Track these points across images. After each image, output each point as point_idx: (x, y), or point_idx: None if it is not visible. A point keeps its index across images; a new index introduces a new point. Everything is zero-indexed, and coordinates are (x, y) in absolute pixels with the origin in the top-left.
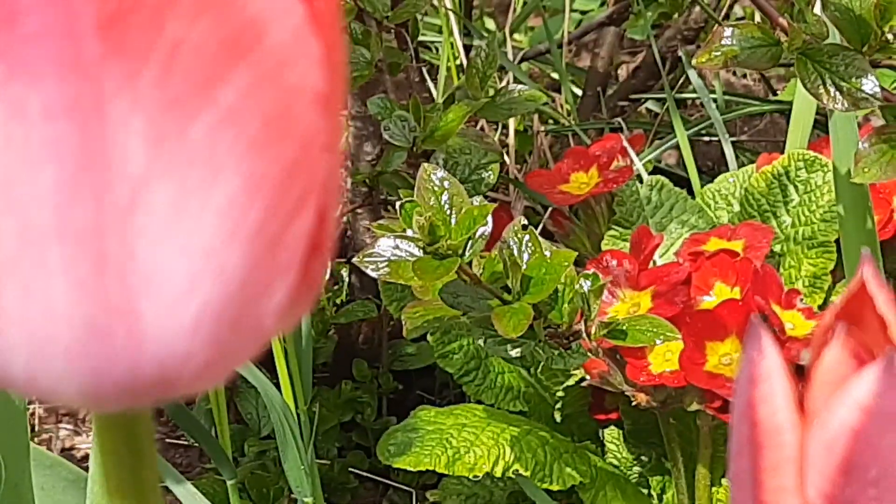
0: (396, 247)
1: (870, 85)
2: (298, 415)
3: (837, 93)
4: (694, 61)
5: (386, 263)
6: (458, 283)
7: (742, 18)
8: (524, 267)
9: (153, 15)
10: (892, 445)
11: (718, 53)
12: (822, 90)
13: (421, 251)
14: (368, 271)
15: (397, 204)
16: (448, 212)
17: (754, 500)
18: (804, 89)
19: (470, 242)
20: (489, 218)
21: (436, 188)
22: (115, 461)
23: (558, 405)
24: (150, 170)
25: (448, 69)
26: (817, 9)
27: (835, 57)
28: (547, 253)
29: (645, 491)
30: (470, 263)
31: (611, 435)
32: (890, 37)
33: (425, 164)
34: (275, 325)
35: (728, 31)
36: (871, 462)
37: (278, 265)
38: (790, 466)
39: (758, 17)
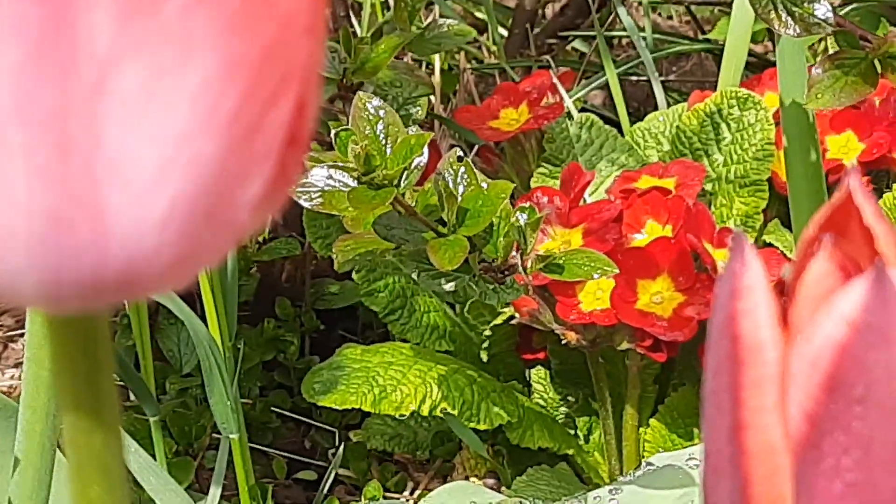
0: (330, 177)
1: (822, 10)
2: (223, 351)
3: (789, 18)
4: None
5: (319, 194)
6: (392, 215)
7: None
8: (460, 199)
9: None
10: (878, 362)
11: None
12: (773, 15)
13: (355, 181)
14: (301, 202)
15: (332, 132)
16: (384, 141)
17: (733, 419)
18: (755, 14)
19: (406, 173)
20: (425, 148)
21: (371, 117)
22: (71, 371)
23: (485, 345)
24: (118, 49)
25: (372, 5)
26: None
27: None
28: (483, 185)
29: (572, 431)
30: (405, 195)
31: (538, 375)
32: None
33: (360, 93)
34: (249, 219)
35: None
36: (857, 379)
37: (255, 155)
38: (772, 384)
39: None
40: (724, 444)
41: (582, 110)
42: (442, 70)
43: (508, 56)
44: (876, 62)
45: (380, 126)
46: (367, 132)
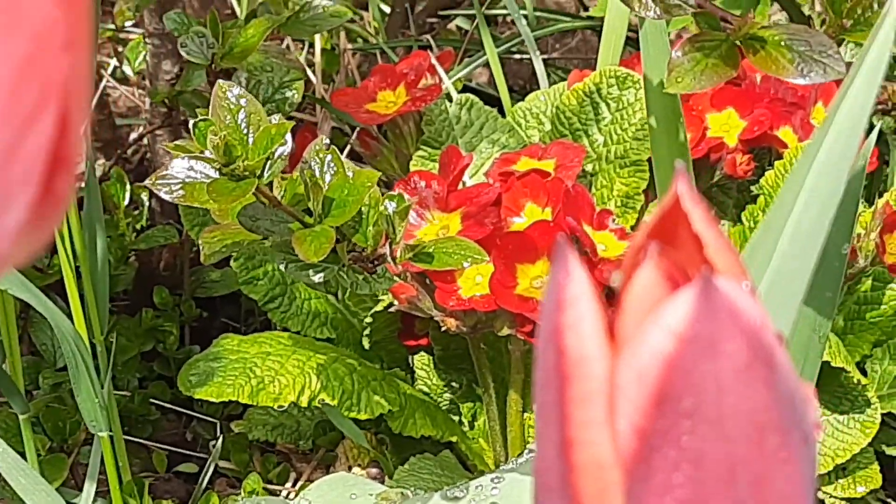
0: (191, 168)
1: None
2: (95, 345)
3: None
4: None
5: (180, 186)
6: (258, 206)
7: None
8: (326, 188)
9: None
10: (707, 375)
11: None
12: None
13: (217, 172)
14: (162, 194)
15: (191, 122)
16: (245, 130)
17: (561, 435)
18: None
19: (268, 163)
20: (288, 136)
21: (232, 106)
22: None
23: (366, 331)
24: None
25: None
26: None
27: None
28: (349, 173)
29: (456, 417)
30: (270, 185)
31: (420, 361)
32: None
33: (220, 81)
34: (13, 248)
35: None
36: (686, 392)
37: (14, 179)
38: (599, 398)
39: None
40: (553, 459)
41: (465, 89)
42: (324, 50)
43: (390, 35)
44: (737, 43)
45: (241, 115)
46: (227, 121)
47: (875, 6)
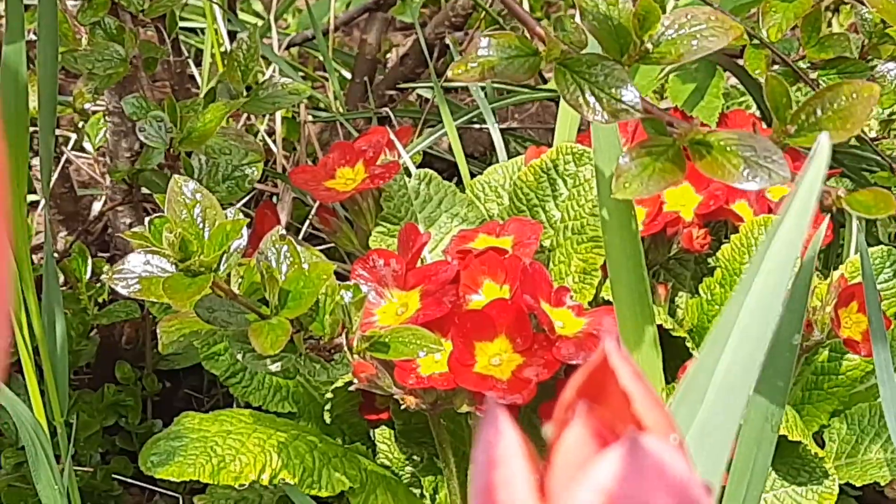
0: (147, 262)
1: (629, 95)
2: (55, 427)
3: (597, 103)
4: (450, 72)
5: (137, 280)
6: (214, 298)
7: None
8: (282, 280)
9: None
10: None
11: (475, 65)
12: (581, 101)
13: (173, 267)
14: (119, 288)
15: (146, 220)
16: (200, 226)
17: None
18: (563, 100)
19: (224, 256)
20: (244, 231)
21: (187, 201)
22: None
23: (328, 406)
24: None
25: (213, 56)
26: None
27: (594, 67)
28: (305, 265)
29: (417, 491)
30: (229, 276)
31: (382, 435)
32: (650, 46)
33: (176, 177)
34: None
35: (485, 42)
36: None
37: None
38: None
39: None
40: None
41: (426, 155)
42: (284, 118)
43: (350, 105)
44: (683, 148)
45: (197, 210)
46: (183, 217)
47: (818, 112)
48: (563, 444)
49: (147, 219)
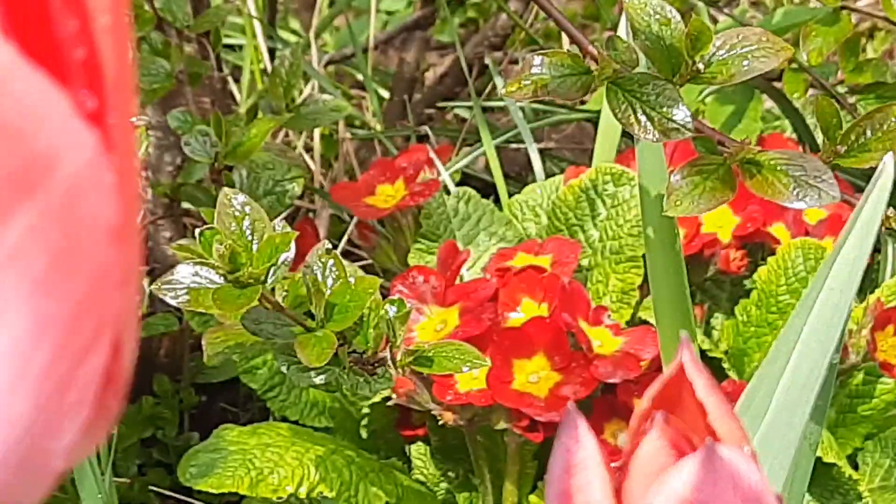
0: (196, 273)
1: (681, 114)
2: None
3: (648, 122)
4: (503, 91)
5: (185, 291)
6: (261, 310)
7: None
8: (328, 293)
9: None
10: None
11: (528, 82)
12: (632, 119)
13: (222, 279)
14: (167, 299)
15: (196, 231)
16: (250, 238)
17: None
18: (615, 118)
19: (272, 269)
20: (293, 244)
21: (237, 213)
22: None
23: (364, 421)
24: None
25: (252, 73)
26: (624, 33)
27: (645, 86)
28: (351, 279)
29: None
30: (273, 290)
31: (418, 451)
32: (701, 66)
33: (225, 189)
34: (65, 464)
35: (538, 60)
36: None
37: (69, 406)
38: None
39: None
40: None
41: (464, 175)
42: (322, 136)
43: (388, 123)
44: (734, 167)
45: (246, 223)
46: (233, 229)
47: (868, 132)
48: (639, 452)
49: (197, 230)
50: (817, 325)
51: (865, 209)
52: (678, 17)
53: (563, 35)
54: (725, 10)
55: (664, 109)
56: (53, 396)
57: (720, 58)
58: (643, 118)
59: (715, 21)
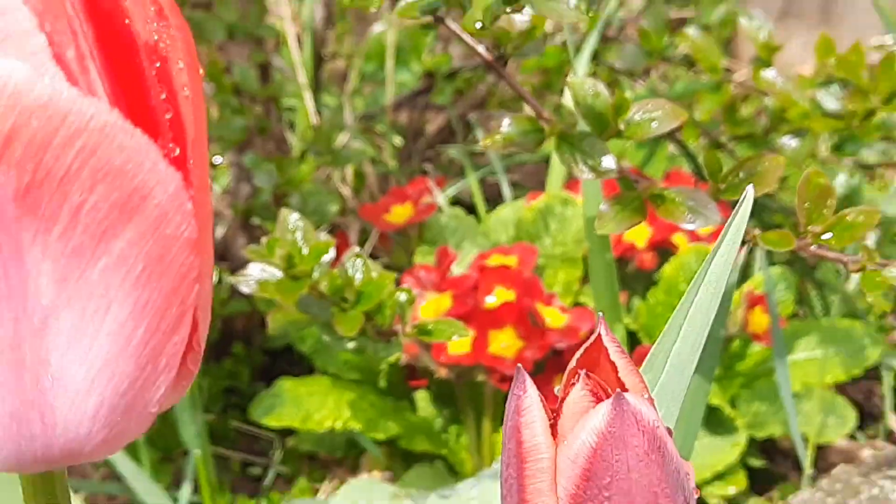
0: (263, 270)
1: (608, 161)
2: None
3: (585, 167)
4: (482, 143)
5: (255, 282)
6: (310, 297)
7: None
8: (357, 284)
9: (60, 185)
10: (619, 460)
11: (499, 137)
12: (574, 165)
13: (281, 274)
14: (242, 288)
15: (263, 239)
16: (301, 244)
17: (519, 499)
18: (561, 163)
19: (317, 267)
20: (332, 249)
21: (291, 227)
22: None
23: (382, 376)
24: (56, 302)
25: (303, 126)
26: (568, 101)
27: (583, 141)
28: (374, 274)
29: (445, 437)
30: (318, 281)
31: (421, 397)
32: (622, 127)
33: (283, 209)
34: (159, 409)
35: (506, 121)
36: (604, 472)
37: (160, 368)
38: (545, 475)
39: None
40: None
41: (454, 199)
42: (354, 171)
43: (400, 163)
44: (645, 199)
45: (298, 234)
46: (288, 238)
47: (742, 175)
48: (569, 399)
49: (263, 239)
50: (700, 307)
51: (733, 225)
52: (606, 91)
53: None
54: (641, 82)
55: (596, 158)
56: (150, 361)
57: (636, 121)
58: (581, 164)
59: (634, 90)
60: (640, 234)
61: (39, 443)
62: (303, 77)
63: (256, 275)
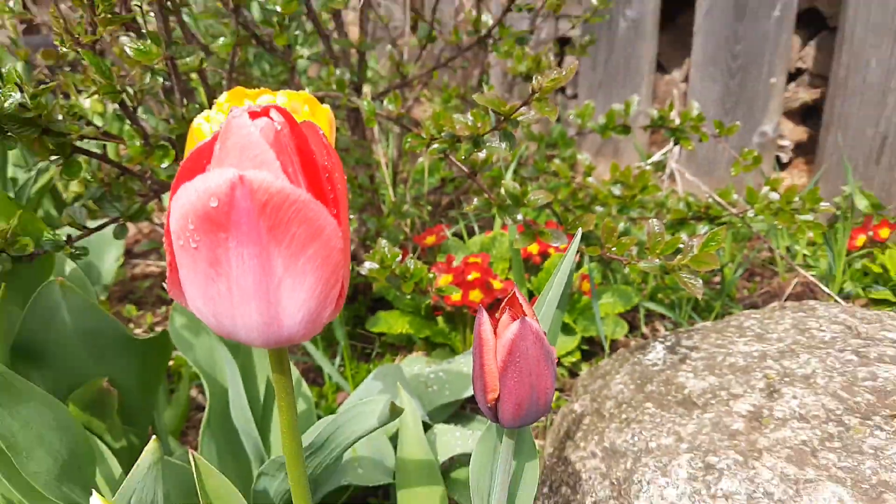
0: (371, 265)
1: (519, 217)
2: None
3: (510, 219)
4: (465, 208)
5: (367, 269)
6: (391, 275)
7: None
8: (411, 270)
9: (286, 224)
10: (525, 346)
11: (473, 206)
12: (505, 219)
13: (378, 266)
14: (362, 271)
15: (372, 251)
16: (387, 253)
17: (480, 363)
18: (499, 218)
19: (394, 263)
20: (400, 255)
21: (382, 246)
22: (276, 362)
23: (423, 310)
24: (283, 275)
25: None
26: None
27: (508, 208)
28: (418, 265)
29: (450, 336)
30: (394, 269)
31: (440, 319)
32: (527, 201)
33: (380, 238)
34: (326, 322)
35: (475, 200)
36: (517, 350)
37: (328, 304)
38: (491, 353)
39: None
40: (478, 370)
41: (454, 234)
42: (410, 221)
43: (431, 217)
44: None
45: (386, 248)
46: (382, 250)
47: (577, 222)
48: (502, 319)
49: (373, 251)
50: (559, 280)
51: (573, 244)
52: (518, 186)
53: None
54: (534, 182)
55: (514, 216)
56: (323, 301)
57: (532, 200)
58: (508, 218)
59: (530, 186)
60: (534, 248)
61: (276, 335)
62: (388, 180)
63: (368, 266)
